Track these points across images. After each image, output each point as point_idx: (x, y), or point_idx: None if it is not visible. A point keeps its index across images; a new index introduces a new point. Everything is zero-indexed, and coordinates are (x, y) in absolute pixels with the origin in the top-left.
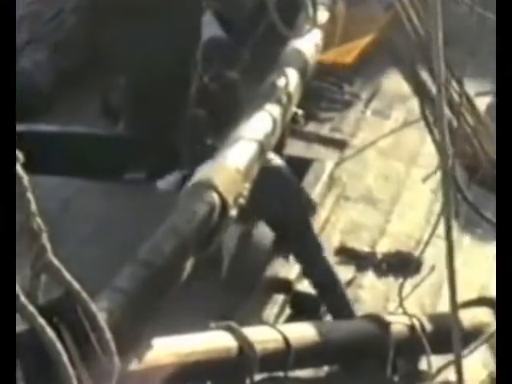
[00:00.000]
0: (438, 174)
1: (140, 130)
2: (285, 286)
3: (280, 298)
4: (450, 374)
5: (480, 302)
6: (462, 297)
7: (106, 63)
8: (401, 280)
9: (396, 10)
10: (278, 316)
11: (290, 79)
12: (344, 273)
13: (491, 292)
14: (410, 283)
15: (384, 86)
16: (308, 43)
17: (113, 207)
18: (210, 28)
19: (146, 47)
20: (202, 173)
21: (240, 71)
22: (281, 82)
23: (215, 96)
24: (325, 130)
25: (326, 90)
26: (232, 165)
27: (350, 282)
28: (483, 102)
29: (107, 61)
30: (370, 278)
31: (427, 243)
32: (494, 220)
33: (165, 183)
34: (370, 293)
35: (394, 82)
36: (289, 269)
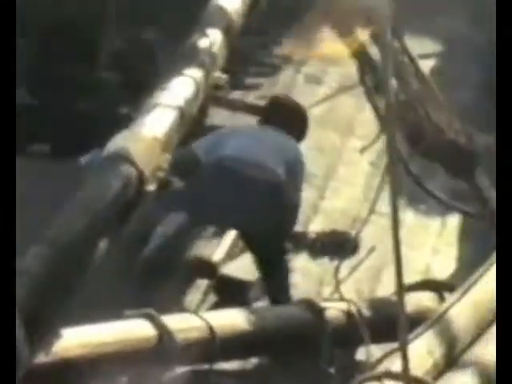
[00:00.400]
0: (377, 145)
1: (43, 97)
2: (209, 269)
3: (203, 283)
4: (392, 364)
5: (424, 285)
6: (406, 280)
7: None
8: (336, 262)
9: None
10: (201, 303)
11: (214, 40)
12: None
13: (436, 274)
14: (346, 265)
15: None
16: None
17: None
18: None
19: (52, 9)
20: (116, 143)
21: (158, 31)
22: (203, 42)
23: (130, 59)
24: (252, 98)
25: (253, 53)
26: (149, 133)
27: None
28: (426, 65)
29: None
30: (302, 259)
31: (365, 221)
32: (439, 194)
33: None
34: (303, 276)
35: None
36: (213, 249)
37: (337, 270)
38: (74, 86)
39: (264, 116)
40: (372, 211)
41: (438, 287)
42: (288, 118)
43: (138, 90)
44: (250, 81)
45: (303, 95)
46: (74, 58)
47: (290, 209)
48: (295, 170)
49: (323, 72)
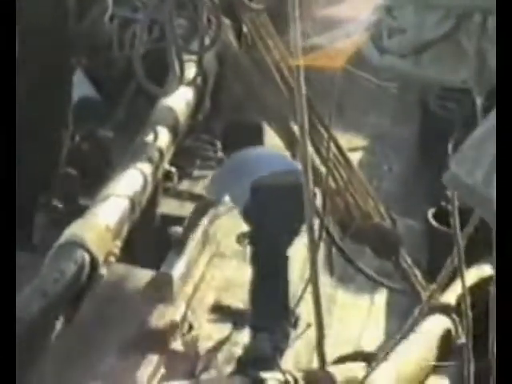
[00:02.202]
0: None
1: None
2: (160, 342)
3: (154, 358)
4: None
5: (354, 356)
6: (338, 352)
7: None
8: None
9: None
10: (151, 377)
11: (161, 137)
12: (220, 330)
13: (365, 347)
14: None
15: None
16: (178, 101)
17: None
18: (82, 87)
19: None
20: (71, 231)
21: (113, 130)
22: (151, 139)
23: (87, 155)
24: (198, 188)
25: (199, 148)
26: (102, 222)
27: (225, 340)
28: (354, 158)
29: None
30: (246, 335)
31: (300, 298)
32: (368, 271)
33: None
34: None
35: (270, 138)
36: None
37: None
38: (37, 181)
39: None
40: (305, 289)
41: (367, 358)
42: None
43: (95, 183)
44: (196, 173)
45: None
46: (36, 155)
47: None
48: None
49: None
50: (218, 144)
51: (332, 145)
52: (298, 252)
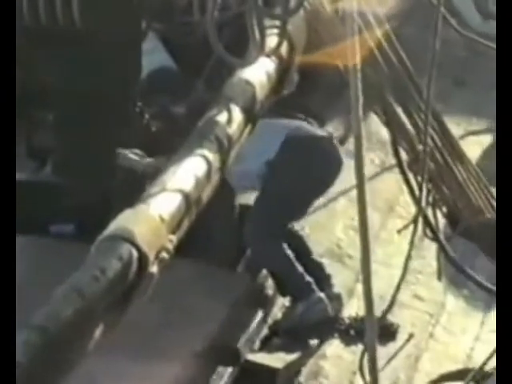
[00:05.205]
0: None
1: (69, 176)
2: (233, 356)
3: (227, 370)
4: None
5: (461, 374)
6: (441, 369)
7: (29, 97)
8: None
9: None
10: None
11: (233, 117)
12: None
13: (476, 364)
14: (383, 353)
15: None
16: (257, 72)
17: (34, 265)
18: (155, 56)
19: (76, 79)
20: (118, 222)
21: (189, 108)
22: (222, 119)
23: (158, 136)
24: None
25: None
26: (154, 213)
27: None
28: (475, 141)
29: (31, 94)
30: (334, 346)
31: (392, 303)
32: (481, 280)
33: None
34: (335, 365)
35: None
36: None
37: (362, 356)
38: (100, 165)
39: None
40: (395, 294)
41: (479, 377)
42: None
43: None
44: None
45: (344, 172)
46: (99, 135)
47: None
48: None
49: (366, 149)
50: (315, 123)
51: (436, 126)
52: (397, 252)
